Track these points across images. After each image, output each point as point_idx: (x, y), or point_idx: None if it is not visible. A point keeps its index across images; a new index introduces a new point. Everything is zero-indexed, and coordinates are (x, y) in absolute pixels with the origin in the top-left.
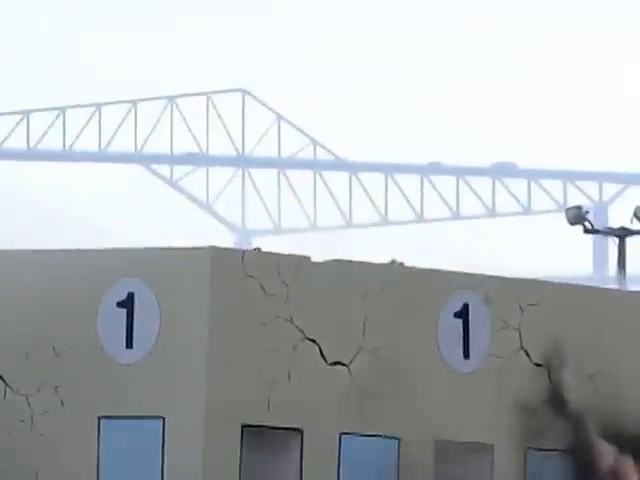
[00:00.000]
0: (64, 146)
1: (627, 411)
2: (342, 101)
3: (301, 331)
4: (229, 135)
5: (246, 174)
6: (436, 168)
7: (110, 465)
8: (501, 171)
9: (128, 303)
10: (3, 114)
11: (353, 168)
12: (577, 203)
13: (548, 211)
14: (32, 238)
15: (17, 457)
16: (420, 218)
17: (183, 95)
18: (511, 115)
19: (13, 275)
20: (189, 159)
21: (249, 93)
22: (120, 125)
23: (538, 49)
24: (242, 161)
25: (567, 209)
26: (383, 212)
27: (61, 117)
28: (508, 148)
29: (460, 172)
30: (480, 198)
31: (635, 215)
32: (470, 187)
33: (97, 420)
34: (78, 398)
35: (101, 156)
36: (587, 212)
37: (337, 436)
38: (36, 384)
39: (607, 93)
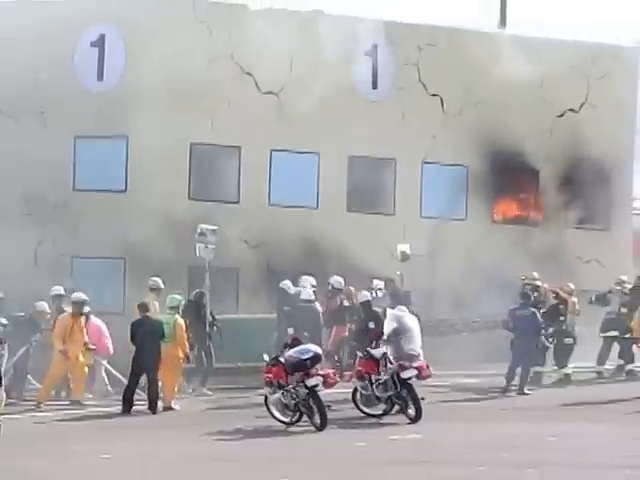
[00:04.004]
0: None
1: (508, 131)
2: None
3: (238, 65)
4: None
5: None
6: None
7: (83, 178)
8: None
9: (99, 42)
10: None
11: None
12: None
13: None
14: None
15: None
16: None
17: None
18: None
19: None
20: None
21: None
22: None
23: None
24: None
25: None
26: None
27: None
28: None
29: None
30: None
31: None
32: None
33: (73, 140)
34: (49, 116)
35: None
36: None
37: (268, 152)
38: (23, 109)
39: None
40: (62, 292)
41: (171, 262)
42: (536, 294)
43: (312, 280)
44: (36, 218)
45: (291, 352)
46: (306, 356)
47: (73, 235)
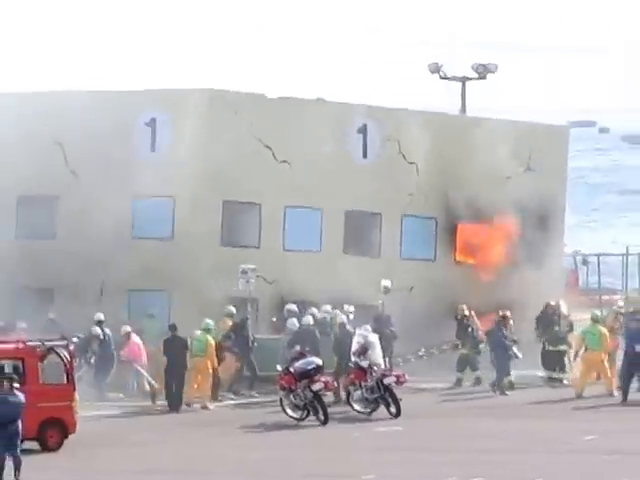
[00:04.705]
0: None
1: (467, 191)
2: None
3: (259, 140)
4: None
5: None
6: None
7: (139, 228)
8: None
9: (152, 123)
10: None
11: None
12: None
13: None
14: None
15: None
16: None
17: None
18: None
19: (74, 111)
20: None
21: None
22: None
23: None
24: None
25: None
26: None
27: None
28: None
29: None
30: None
31: None
32: None
33: (131, 200)
34: (114, 180)
35: None
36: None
37: (283, 208)
38: (88, 161)
39: None
40: (102, 318)
41: (205, 294)
42: (465, 320)
43: (294, 307)
44: (100, 260)
45: (298, 363)
46: (310, 366)
47: (131, 273)
